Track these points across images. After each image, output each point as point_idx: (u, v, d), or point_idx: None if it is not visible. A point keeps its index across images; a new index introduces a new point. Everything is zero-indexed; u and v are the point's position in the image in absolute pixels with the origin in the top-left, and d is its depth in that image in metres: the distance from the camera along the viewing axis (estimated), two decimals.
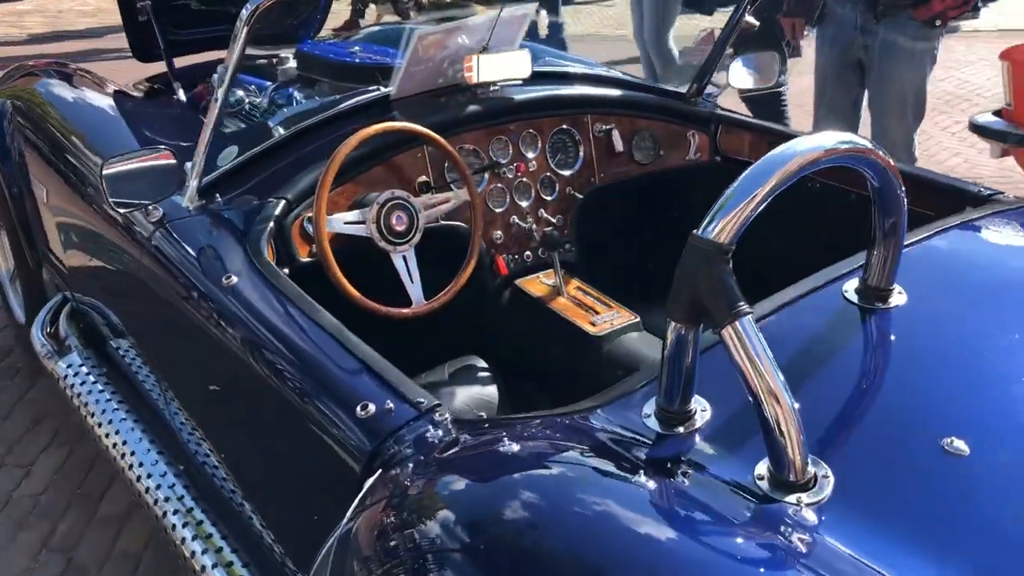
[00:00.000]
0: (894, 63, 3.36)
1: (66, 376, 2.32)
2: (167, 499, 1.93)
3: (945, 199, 2.17)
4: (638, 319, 2.12)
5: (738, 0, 2.48)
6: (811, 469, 1.05)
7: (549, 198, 2.37)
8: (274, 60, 3.30)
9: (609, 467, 1.13)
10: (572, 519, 1.04)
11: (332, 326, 1.51)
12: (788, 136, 2.53)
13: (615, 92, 2.51)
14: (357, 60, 2.73)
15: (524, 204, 2.33)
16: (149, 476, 2.00)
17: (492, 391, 2.08)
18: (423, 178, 2.15)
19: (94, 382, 2.28)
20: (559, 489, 1.10)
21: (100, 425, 2.17)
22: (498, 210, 2.28)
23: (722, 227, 1.06)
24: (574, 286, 2.23)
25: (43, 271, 2.79)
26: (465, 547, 1.05)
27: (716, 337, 1.06)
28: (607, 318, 2.11)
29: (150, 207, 1.89)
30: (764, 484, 1.05)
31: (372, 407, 1.33)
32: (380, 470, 1.26)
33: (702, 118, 2.58)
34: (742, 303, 1.04)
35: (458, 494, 1.14)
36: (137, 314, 2.21)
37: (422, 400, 1.33)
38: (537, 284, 2.25)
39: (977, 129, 3.91)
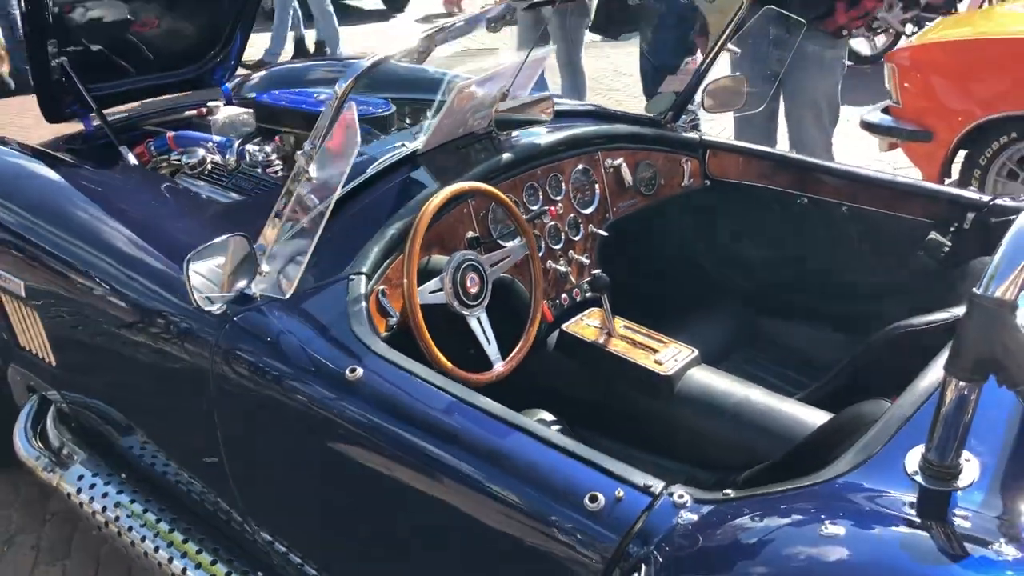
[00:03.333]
0: (807, 72, 3.58)
1: (79, 490, 2.06)
2: None
3: (943, 208, 2.34)
4: (696, 352, 2.14)
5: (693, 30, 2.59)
6: None
7: (576, 238, 2.35)
8: (203, 111, 3.08)
9: (898, 534, 1.14)
10: None
11: (503, 412, 1.43)
12: (773, 156, 2.65)
13: (621, 126, 2.53)
14: None
15: (556, 248, 2.30)
16: None
17: None
18: (471, 233, 2.08)
19: (119, 492, 2.04)
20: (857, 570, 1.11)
21: (144, 540, 1.95)
22: None
23: (1007, 285, 1.09)
24: (620, 324, 2.22)
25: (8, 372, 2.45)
26: None
27: None
28: (669, 355, 2.12)
29: (216, 303, 1.70)
30: None
31: (601, 498, 1.27)
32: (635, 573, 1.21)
33: (692, 145, 2.64)
34: None
35: None
36: (172, 417, 2.00)
37: (650, 483, 1.28)
38: (584, 327, 2.22)
39: (868, 126, 4.23)
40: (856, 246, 2.51)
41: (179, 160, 2.61)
